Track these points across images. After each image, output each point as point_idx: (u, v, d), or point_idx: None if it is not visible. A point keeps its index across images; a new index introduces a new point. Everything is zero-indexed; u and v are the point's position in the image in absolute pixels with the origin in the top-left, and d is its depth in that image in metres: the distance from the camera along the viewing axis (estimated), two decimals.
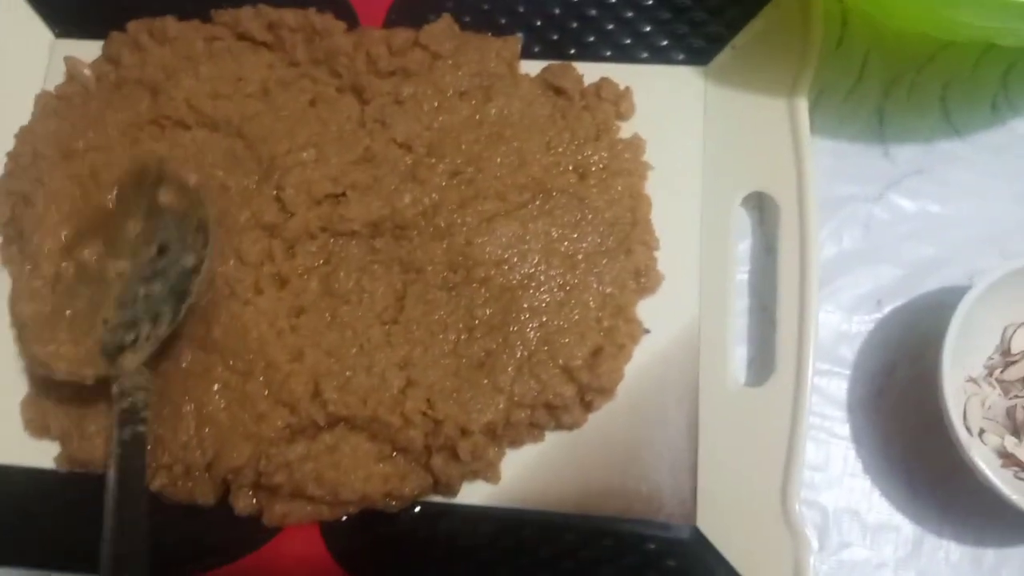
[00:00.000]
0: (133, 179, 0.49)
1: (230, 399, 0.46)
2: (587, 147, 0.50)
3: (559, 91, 0.51)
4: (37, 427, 0.49)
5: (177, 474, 0.46)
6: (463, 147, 0.50)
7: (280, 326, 0.47)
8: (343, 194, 0.49)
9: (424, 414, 0.45)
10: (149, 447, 0.45)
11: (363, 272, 0.48)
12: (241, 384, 0.46)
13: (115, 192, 0.50)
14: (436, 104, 0.51)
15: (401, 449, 0.45)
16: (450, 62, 0.51)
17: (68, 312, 0.47)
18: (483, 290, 0.47)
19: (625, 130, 0.51)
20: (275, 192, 0.49)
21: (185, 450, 0.45)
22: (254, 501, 0.46)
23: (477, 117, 0.50)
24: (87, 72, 0.54)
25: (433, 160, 0.49)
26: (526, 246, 0.48)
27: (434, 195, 0.48)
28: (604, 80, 0.51)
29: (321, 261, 0.49)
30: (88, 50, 0.55)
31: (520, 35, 0.52)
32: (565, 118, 0.51)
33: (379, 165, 0.50)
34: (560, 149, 0.50)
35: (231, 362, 0.46)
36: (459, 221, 0.48)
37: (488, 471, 0.46)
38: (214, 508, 0.46)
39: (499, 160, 0.49)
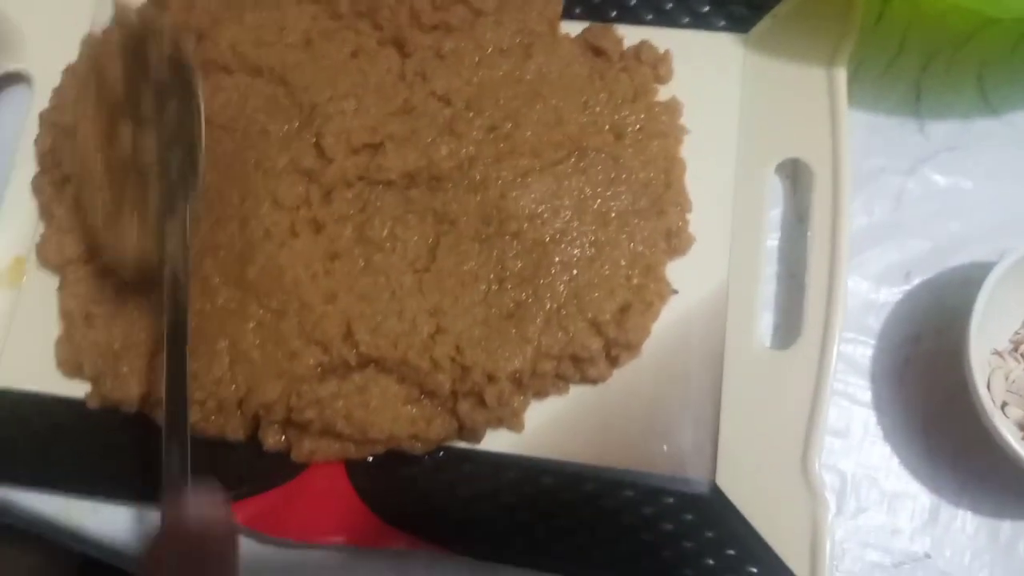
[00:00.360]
0: (133, 58, 0.50)
1: (264, 337, 0.47)
2: (624, 108, 0.50)
3: (598, 52, 0.52)
4: (71, 367, 0.49)
5: (210, 409, 0.46)
6: (501, 103, 0.50)
7: (315, 269, 0.48)
8: (381, 144, 0.50)
9: (452, 360, 0.46)
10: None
11: (397, 221, 0.49)
12: (275, 323, 0.47)
13: (120, 70, 0.50)
14: (477, 59, 0.51)
15: (428, 393, 0.46)
16: (492, 19, 0.52)
17: (125, 205, 0.48)
18: (515, 243, 0.48)
19: (663, 94, 0.52)
20: (314, 139, 0.49)
21: (218, 385, 0.46)
22: (283, 438, 0.47)
23: (516, 74, 0.51)
24: (134, 17, 0.54)
25: (471, 114, 0.50)
26: (559, 202, 0.48)
27: (471, 148, 0.49)
28: (644, 43, 0.52)
29: (357, 209, 0.49)
30: None
31: None
32: (603, 79, 0.51)
33: (418, 117, 0.50)
34: (597, 109, 0.50)
35: (265, 301, 0.47)
36: (494, 175, 0.48)
37: (512, 419, 0.46)
38: (244, 443, 0.47)
39: (536, 117, 0.49)
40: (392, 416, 0.45)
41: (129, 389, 0.47)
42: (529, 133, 0.49)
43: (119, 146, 0.48)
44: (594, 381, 0.47)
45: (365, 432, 0.45)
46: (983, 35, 0.52)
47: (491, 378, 0.45)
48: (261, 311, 0.47)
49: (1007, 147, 0.51)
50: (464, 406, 0.46)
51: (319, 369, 0.46)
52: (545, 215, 0.48)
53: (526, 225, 0.48)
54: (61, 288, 0.51)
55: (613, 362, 0.47)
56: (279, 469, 0.47)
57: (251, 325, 0.47)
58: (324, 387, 0.46)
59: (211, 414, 0.47)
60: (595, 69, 0.52)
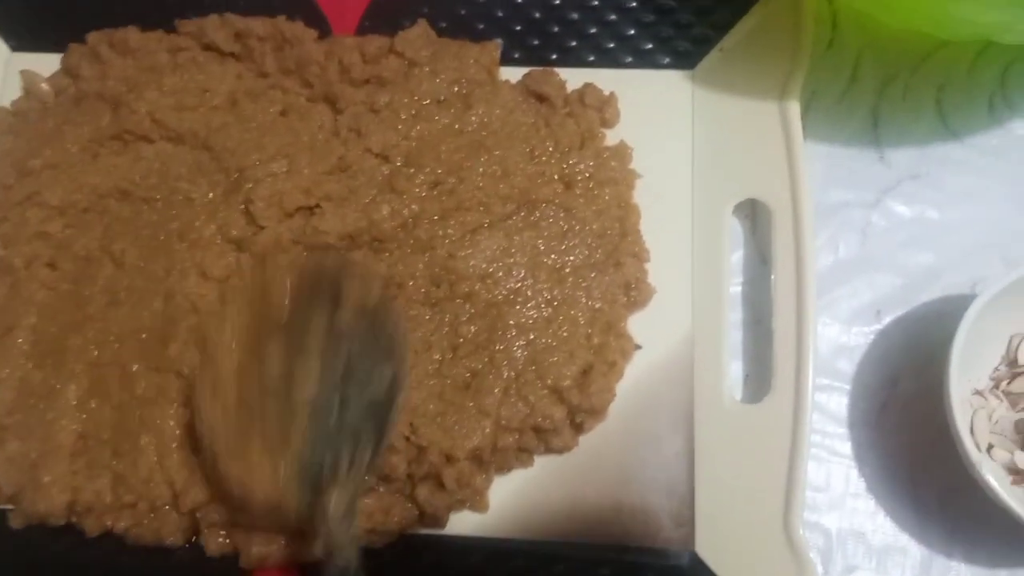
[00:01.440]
0: (308, 287, 0.43)
1: (191, 422, 0.43)
2: (572, 155, 0.48)
3: (541, 98, 0.49)
4: None
5: (142, 512, 0.43)
6: (443, 156, 0.48)
7: None
8: (316, 206, 0.47)
9: (407, 439, 0.43)
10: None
11: None
12: None
13: (288, 299, 0.43)
14: (413, 112, 0.49)
15: (383, 478, 0.43)
16: (427, 69, 0.49)
17: (255, 435, 0.41)
18: (467, 306, 0.45)
19: (611, 137, 0.49)
20: (243, 205, 0.46)
21: (148, 485, 0.43)
22: (227, 540, 0.43)
23: (457, 126, 0.49)
24: (45, 86, 0.51)
25: (411, 170, 0.47)
26: (511, 259, 0.46)
27: (413, 206, 0.46)
28: (588, 86, 0.49)
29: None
30: (46, 64, 0.52)
31: (499, 41, 0.50)
32: (548, 126, 0.49)
33: (354, 176, 0.48)
34: (544, 158, 0.48)
35: (189, 379, 0.44)
36: (441, 233, 0.46)
37: (476, 500, 0.43)
38: (184, 548, 0.43)
39: (481, 170, 0.47)
40: None
41: (53, 499, 0.43)
42: (475, 187, 0.47)
43: (264, 370, 0.41)
44: (560, 451, 0.44)
45: None
46: (938, 57, 0.50)
47: (449, 458, 0.42)
48: (186, 391, 0.44)
49: (970, 171, 0.49)
50: (423, 491, 0.42)
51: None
52: (497, 274, 0.45)
53: (478, 286, 0.45)
54: None
55: (578, 429, 0.44)
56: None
57: (172, 410, 0.43)
58: None
59: (144, 517, 0.43)
60: (539, 115, 0.49)
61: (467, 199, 0.47)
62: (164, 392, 0.44)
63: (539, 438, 0.44)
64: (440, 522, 0.43)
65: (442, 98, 0.49)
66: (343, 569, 0.38)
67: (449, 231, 0.46)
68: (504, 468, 0.44)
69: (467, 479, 0.42)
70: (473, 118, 0.49)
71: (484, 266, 0.45)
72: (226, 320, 0.42)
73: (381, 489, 0.43)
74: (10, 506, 0.44)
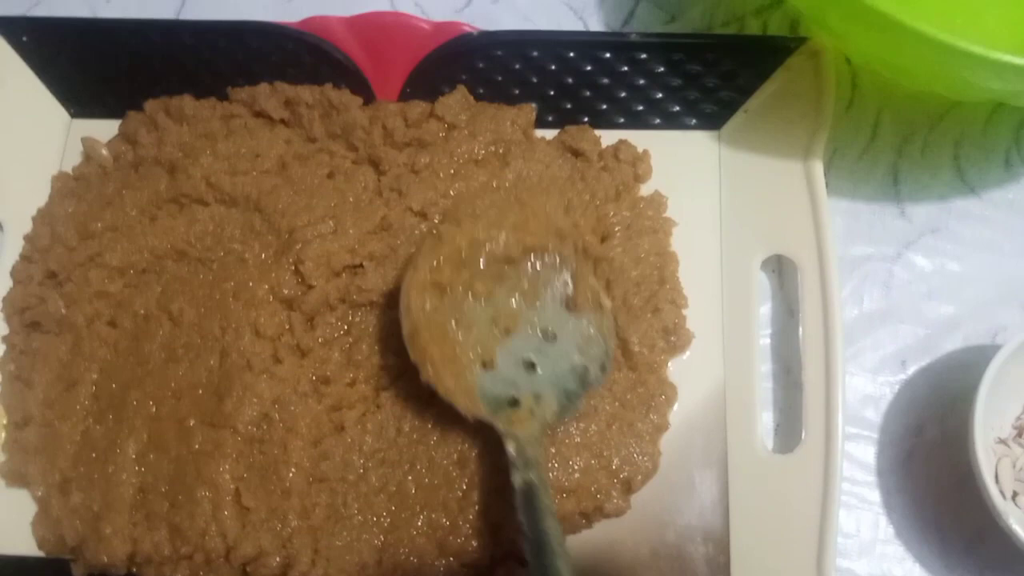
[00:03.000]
0: (534, 255, 0.46)
1: (247, 476, 0.45)
2: (607, 207, 0.50)
3: (577, 153, 0.51)
4: (52, 545, 0.47)
5: (198, 564, 0.45)
6: (479, 211, 0.49)
7: (303, 389, 0.47)
8: (360, 265, 0.49)
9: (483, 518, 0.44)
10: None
11: (384, 345, 0.48)
12: (258, 458, 0.45)
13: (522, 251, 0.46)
14: (452, 172, 0.51)
15: (465, 566, 0.44)
16: (466, 131, 0.52)
17: (458, 338, 0.45)
18: None
19: (644, 191, 0.51)
20: (293, 265, 0.49)
21: (203, 538, 0.44)
22: None
23: (494, 183, 0.51)
24: (104, 152, 0.54)
25: None
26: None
27: None
28: (622, 142, 0.52)
29: (342, 332, 0.48)
30: (104, 130, 0.55)
31: (534, 104, 0.53)
32: (584, 179, 0.51)
33: (396, 234, 0.50)
34: (580, 211, 0.50)
35: (244, 433, 0.46)
36: None
37: None
38: None
39: (515, 221, 0.49)
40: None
41: (115, 551, 0.45)
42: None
43: (481, 288, 0.45)
44: (614, 515, 0.46)
45: None
46: (955, 114, 0.52)
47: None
48: (241, 445, 0.46)
49: (988, 224, 0.51)
50: (501, 571, 0.44)
51: (317, 509, 0.44)
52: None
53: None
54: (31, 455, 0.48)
55: (628, 490, 0.46)
56: None
57: (227, 465, 0.45)
58: (330, 532, 0.44)
59: (199, 569, 0.45)
60: (575, 169, 0.51)
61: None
62: (220, 447, 0.45)
63: (596, 510, 0.45)
64: None
65: (480, 157, 0.51)
66: (525, 487, 0.41)
67: None
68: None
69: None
70: (510, 174, 0.51)
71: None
72: (466, 225, 0.45)
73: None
74: (73, 557, 0.46)
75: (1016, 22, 0.50)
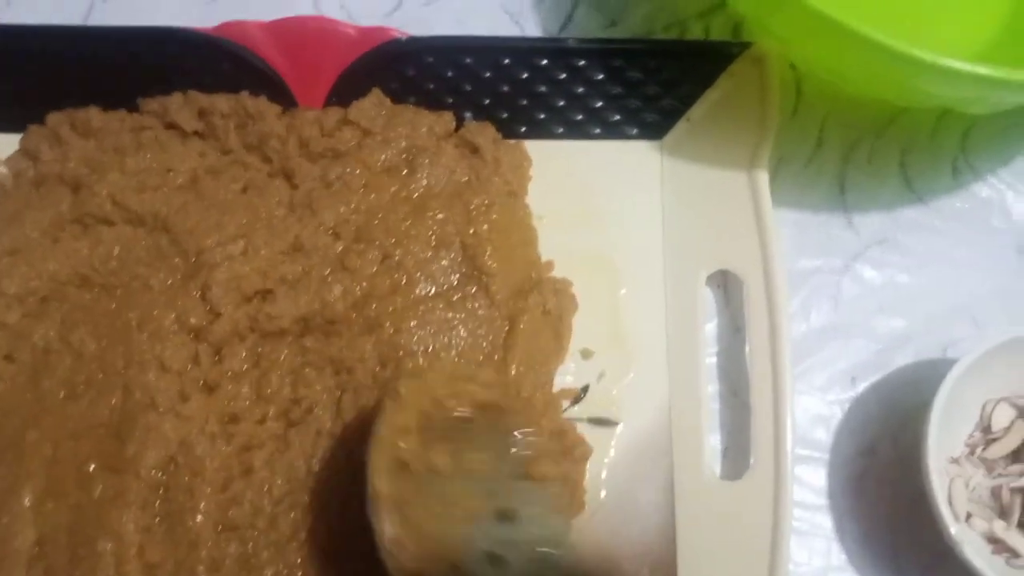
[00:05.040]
0: (488, 417, 0.41)
1: (152, 527, 0.42)
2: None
3: (474, 149, 0.49)
4: None
5: None
6: (391, 227, 0.47)
7: (211, 431, 0.43)
8: (270, 291, 0.46)
9: None
10: None
11: (296, 376, 0.45)
12: (165, 507, 0.42)
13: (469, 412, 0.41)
14: (364, 183, 0.48)
15: None
16: (379, 138, 0.49)
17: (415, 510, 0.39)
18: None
19: (583, 205, 0.49)
20: (201, 291, 0.45)
21: None
22: None
23: (403, 193, 0.48)
24: (2, 169, 0.50)
25: (362, 246, 0.46)
26: (454, 331, 0.45)
27: (364, 284, 0.46)
28: (512, 144, 0.49)
29: (251, 364, 0.45)
30: (3, 145, 0.51)
31: (451, 113, 0.50)
32: (479, 179, 0.48)
33: (309, 255, 0.47)
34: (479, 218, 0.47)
35: (148, 481, 0.42)
36: (390, 310, 0.45)
37: None
38: None
39: (425, 239, 0.46)
40: None
41: None
42: (420, 258, 0.46)
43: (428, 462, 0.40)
44: None
45: None
46: (902, 121, 0.51)
47: None
48: (145, 493, 0.42)
49: (936, 234, 0.50)
50: None
51: (228, 560, 0.41)
52: (441, 348, 0.44)
53: (422, 361, 0.44)
54: None
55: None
56: None
57: (131, 514, 0.41)
58: None
59: None
60: (472, 169, 0.49)
61: (413, 272, 0.46)
62: (122, 494, 0.41)
63: None
64: None
65: (391, 165, 0.49)
66: None
67: (396, 306, 0.45)
68: None
69: None
70: (417, 183, 0.48)
71: (429, 341, 0.44)
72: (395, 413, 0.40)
73: None
74: None
75: (973, 28, 0.49)
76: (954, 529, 0.40)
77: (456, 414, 0.40)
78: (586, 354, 0.47)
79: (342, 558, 0.42)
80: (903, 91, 0.45)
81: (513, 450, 0.41)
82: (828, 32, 0.40)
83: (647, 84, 0.49)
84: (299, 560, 0.42)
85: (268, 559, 0.41)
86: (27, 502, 0.42)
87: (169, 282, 0.46)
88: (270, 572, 0.41)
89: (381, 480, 0.38)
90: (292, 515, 0.42)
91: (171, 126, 0.50)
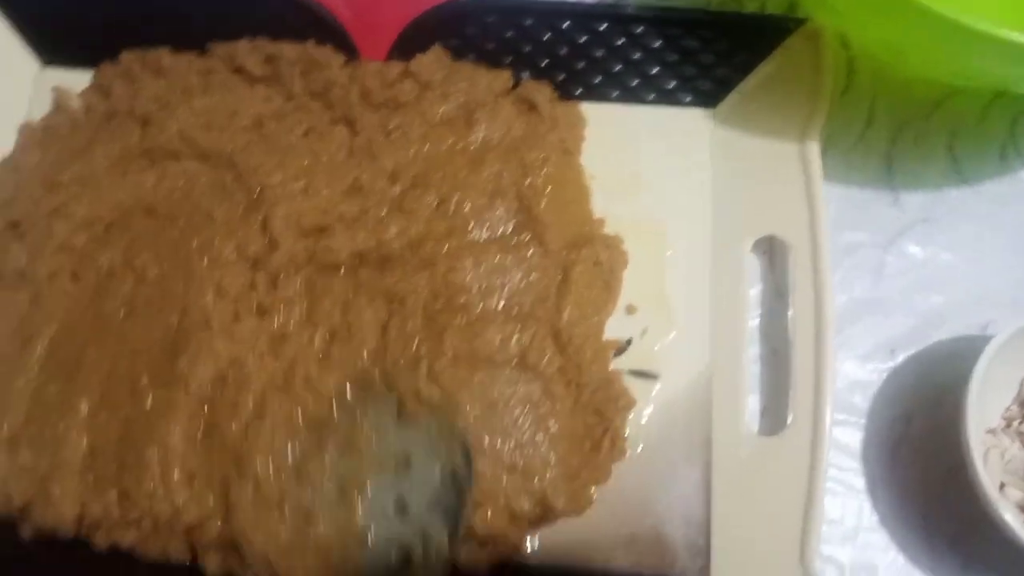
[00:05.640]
0: (355, 389, 0.44)
1: (198, 439, 0.43)
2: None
3: (532, 106, 0.50)
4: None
5: (147, 529, 0.42)
6: (448, 176, 0.48)
7: (260, 349, 0.45)
8: (329, 227, 0.47)
9: None
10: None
11: (347, 304, 0.46)
12: (211, 420, 0.43)
13: (336, 405, 0.43)
14: (422, 133, 0.49)
15: None
16: (438, 92, 0.50)
17: (313, 536, 0.41)
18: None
19: (634, 169, 0.50)
20: (262, 223, 0.47)
21: (151, 501, 0.42)
22: (225, 562, 0.42)
23: (460, 145, 0.49)
24: (76, 103, 0.52)
25: (419, 191, 0.48)
26: (507, 276, 0.46)
27: (420, 226, 0.47)
28: (568, 105, 0.51)
29: (304, 292, 0.46)
30: (77, 80, 0.53)
31: (509, 71, 0.51)
32: (536, 135, 0.49)
33: (367, 196, 0.48)
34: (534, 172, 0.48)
35: (197, 393, 0.43)
36: (444, 251, 0.46)
37: (516, 552, 0.43)
38: (193, 566, 0.42)
39: (482, 186, 0.48)
40: None
41: (63, 512, 0.42)
42: (477, 205, 0.47)
43: (312, 476, 0.42)
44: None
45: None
46: (950, 104, 0.52)
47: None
48: (194, 406, 0.43)
49: (981, 217, 0.50)
50: (464, 551, 0.42)
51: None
52: (494, 287, 0.46)
53: (476, 298, 0.45)
54: None
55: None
56: None
57: (178, 426, 0.43)
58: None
59: (148, 534, 0.42)
60: (529, 125, 0.50)
61: (468, 217, 0.47)
62: (172, 407, 0.43)
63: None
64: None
65: (449, 119, 0.50)
66: None
67: (451, 247, 0.46)
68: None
69: (506, 535, 0.42)
70: (474, 136, 0.49)
71: (483, 280, 0.46)
72: (265, 430, 0.42)
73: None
74: (20, 517, 0.44)
75: (1020, 6, 0.50)
76: (992, 494, 0.41)
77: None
78: (631, 310, 0.48)
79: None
80: (956, 67, 0.45)
81: (380, 404, 0.43)
82: (887, 4, 0.41)
83: (703, 53, 0.50)
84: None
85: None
86: (83, 413, 0.44)
87: (231, 214, 0.48)
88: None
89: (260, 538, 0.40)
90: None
91: (238, 70, 0.52)
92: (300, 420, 0.43)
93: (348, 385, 0.44)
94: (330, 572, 0.40)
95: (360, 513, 0.41)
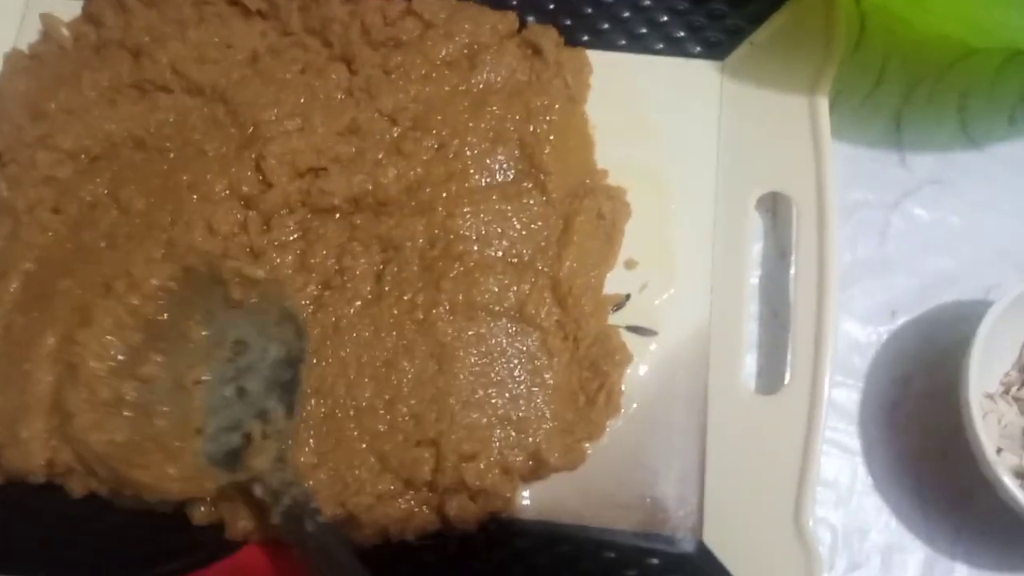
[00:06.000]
0: (182, 283, 0.43)
1: None
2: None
3: (537, 50, 0.49)
4: None
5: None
6: (449, 119, 0.47)
7: None
8: (325, 168, 0.46)
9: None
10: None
11: (342, 249, 0.45)
12: None
13: (166, 301, 0.43)
14: (423, 73, 0.48)
15: (407, 484, 0.42)
16: (441, 31, 0.49)
17: (153, 432, 0.41)
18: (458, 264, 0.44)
19: (640, 119, 0.49)
20: (255, 162, 0.45)
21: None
22: (213, 511, 0.42)
23: (463, 87, 0.48)
24: (65, 31, 0.50)
25: (418, 133, 0.47)
26: (507, 223, 0.45)
27: (418, 169, 0.46)
28: (575, 51, 0.49)
29: (297, 236, 0.45)
30: (66, 8, 0.51)
31: (514, 13, 0.50)
32: (540, 80, 0.48)
33: (364, 137, 0.47)
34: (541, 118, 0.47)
35: None
36: (443, 195, 0.45)
37: (508, 507, 0.42)
38: (174, 514, 0.42)
39: (482, 133, 0.47)
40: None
41: (32, 457, 0.41)
42: (477, 151, 0.46)
43: (147, 373, 0.42)
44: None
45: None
46: (963, 65, 0.51)
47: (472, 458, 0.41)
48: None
49: (990, 181, 0.49)
50: (453, 504, 0.41)
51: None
52: (492, 236, 0.45)
53: (474, 247, 0.44)
54: None
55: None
56: (213, 545, 0.42)
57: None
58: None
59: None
60: (533, 70, 0.49)
61: (469, 162, 0.46)
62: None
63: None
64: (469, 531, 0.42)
65: (452, 59, 0.49)
66: (295, 503, 0.39)
67: (450, 193, 0.45)
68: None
69: (497, 489, 0.42)
70: (477, 78, 0.48)
71: (481, 228, 0.45)
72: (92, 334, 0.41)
73: (408, 498, 0.42)
74: None
75: None
76: (991, 456, 0.40)
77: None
78: (630, 264, 0.47)
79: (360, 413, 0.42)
80: (976, 23, 0.44)
81: (209, 290, 0.43)
82: None
83: (713, 1, 0.49)
84: (321, 411, 0.42)
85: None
86: (50, 347, 0.42)
87: (223, 150, 0.46)
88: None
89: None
90: (317, 371, 0.43)
91: (234, 3, 0.50)
92: (129, 321, 0.42)
93: (173, 281, 0.43)
94: (173, 465, 0.40)
95: (198, 404, 0.42)
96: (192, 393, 0.42)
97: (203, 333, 0.43)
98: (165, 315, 0.43)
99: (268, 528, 0.41)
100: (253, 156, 0.45)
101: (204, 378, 0.43)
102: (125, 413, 0.41)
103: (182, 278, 0.43)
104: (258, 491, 0.40)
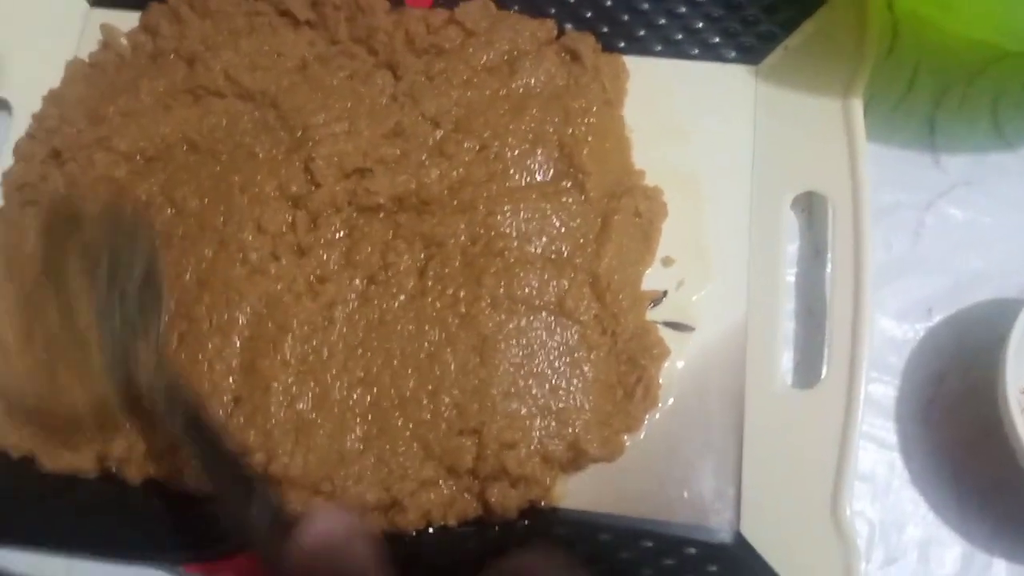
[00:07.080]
0: (45, 235, 0.45)
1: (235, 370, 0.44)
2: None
3: (575, 56, 0.50)
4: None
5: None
6: (490, 122, 0.48)
7: (298, 289, 0.45)
8: (370, 169, 0.48)
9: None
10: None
11: (387, 247, 0.47)
12: (249, 355, 0.44)
13: (39, 256, 0.45)
14: (465, 79, 0.50)
15: (450, 471, 0.43)
16: (483, 39, 0.50)
17: (59, 366, 0.43)
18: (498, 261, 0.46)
19: (676, 123, 0.50)
20: (303, 163, 0.47)
21: None
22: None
23: (503, 92, 0.49)
24: (123, 41, 0.52)
25: (460, 135, 0.48)
26: (547, 221, 0.46)
27: (460, 170, 0.47)
28: (612, 56, 0.51)
29: (343, 234, 0.47)
30: (123, 21, 0.53)
31: (553, 20, 0.51)
32: (578, 85, 0.49)
33: (408, 139, 0.49)
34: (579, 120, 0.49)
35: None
36: (484, 195, 0.47)
37: (547, 496, 0.43)
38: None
39: (523, 132, 0.48)
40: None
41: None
42: (517, 152, 0.48)
43: (45, 321, 0.43)
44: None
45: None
46: (996, 68, 0.51)
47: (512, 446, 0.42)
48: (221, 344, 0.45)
49: (1023, 182, 0.50)
50: (494, 491, 0.42)
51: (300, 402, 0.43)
52: (532, 234, 0.46)
53: (514, 244, 0.46)
54: None
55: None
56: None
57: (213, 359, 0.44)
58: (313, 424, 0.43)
59: (181, 469, 0.43)
60: (571, 75, 0.50)
61: (509, 163, 0.47)
62: (200, 341, 0.44)
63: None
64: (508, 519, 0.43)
65: (492, 66, 0.50)
66: (183, 414, 0.40)
67: (491, 192, 0.47)
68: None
69: (537, 477, 0.43)
70: (517, 83, 0.49)
71: (522, 225, 0.46)
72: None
73: (450, 484, 0.43)
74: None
75: None
76: None
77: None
78: (667, 262, 0.48)
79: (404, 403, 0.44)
80: (1008, 27, 0.45)
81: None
82: None
83: (747, 8, 0.50)
84: (368, 400, 0.44)
85: (338, 401, 0.44)
86: None
87: (273, 152, 0.48)
88: (338, 412, 0.44)
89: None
90: (363, 362, 0.44)
91: (284, 14, 0.52)
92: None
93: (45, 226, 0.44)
94: (86, 408, 0.42)
95: (94, 347, 0.43)
96: (89, 327, 0.43)
97: (77, 275, 0.44)
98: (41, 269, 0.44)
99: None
100: (302, 158, 0.47)
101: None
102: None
103: (47, 224, 0.45)
104: (153, 406, 0.41)
